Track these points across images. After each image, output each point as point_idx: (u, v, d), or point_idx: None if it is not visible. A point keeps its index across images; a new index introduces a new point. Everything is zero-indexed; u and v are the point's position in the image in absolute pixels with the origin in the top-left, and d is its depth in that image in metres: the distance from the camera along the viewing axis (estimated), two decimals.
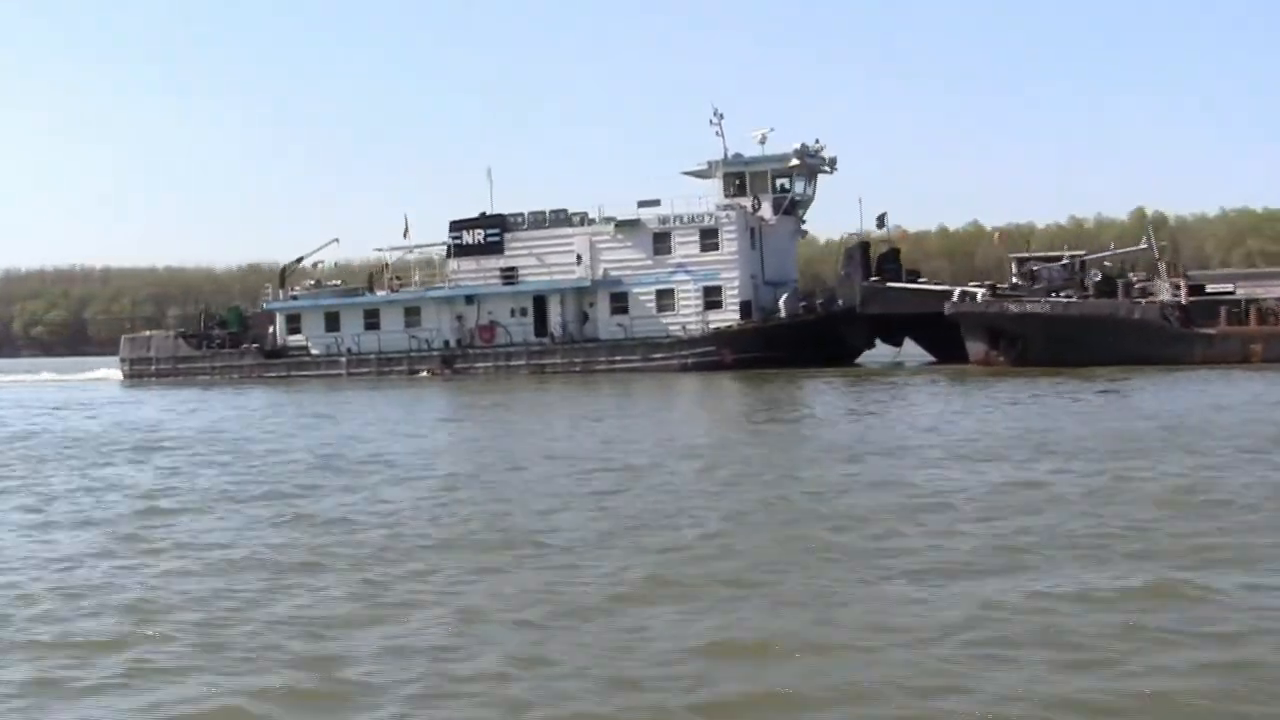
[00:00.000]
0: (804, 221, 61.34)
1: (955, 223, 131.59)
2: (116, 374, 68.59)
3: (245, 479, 19.95)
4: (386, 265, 69.59)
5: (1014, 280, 60.99)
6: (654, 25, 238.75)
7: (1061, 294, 47.35)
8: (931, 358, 60.00)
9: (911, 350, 60.07)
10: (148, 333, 71.82)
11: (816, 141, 59.54)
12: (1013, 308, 46.68)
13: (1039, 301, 46.51)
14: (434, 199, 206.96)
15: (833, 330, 55.79)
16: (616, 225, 59.09)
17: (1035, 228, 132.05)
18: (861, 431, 24.87)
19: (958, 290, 49.91)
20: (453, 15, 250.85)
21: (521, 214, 61.28)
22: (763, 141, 59.86)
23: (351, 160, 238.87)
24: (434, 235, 64.50)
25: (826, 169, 60.79)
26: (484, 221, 61.48)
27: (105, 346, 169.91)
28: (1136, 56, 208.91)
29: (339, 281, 67.30)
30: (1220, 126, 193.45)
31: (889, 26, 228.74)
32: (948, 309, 48.91)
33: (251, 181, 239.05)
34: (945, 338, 56.09)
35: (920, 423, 26.45)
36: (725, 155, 59.77)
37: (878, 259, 57.42)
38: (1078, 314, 45.52)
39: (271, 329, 65.64)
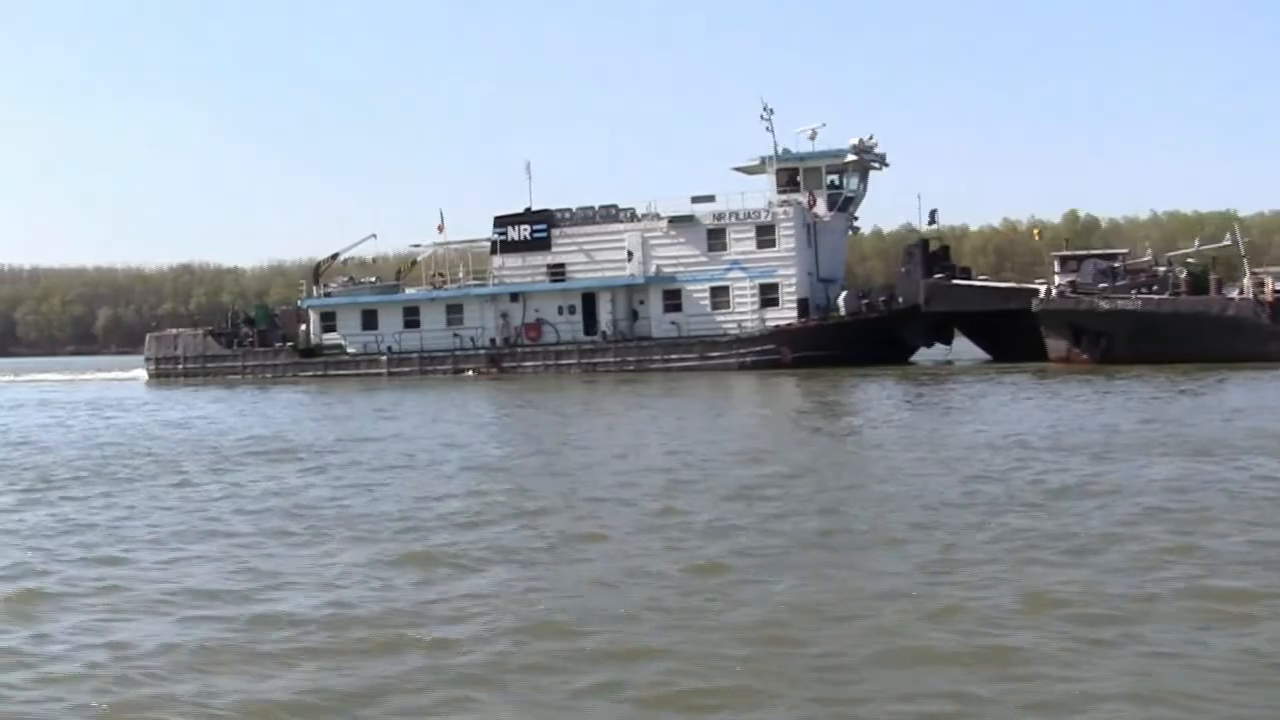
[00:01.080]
0: (856, 219, 60.48)
1: (888, 226, 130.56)
2: (140, 373, 66.69)
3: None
4: (414, 261, 68.13)
5: (1055, 278, 60.69)
6: (650, 23, 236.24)
7: (1144, 291, 46.68)
8: (987, 356, 59.45)
9: (960, 348, 59.42)
10: (174, 331, 69.62)
11: (870, 137, 58.69)
12: (1103, 304, 45.95)
13: (1129, 298, 45.81)
14: (413, 195, 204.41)
15: (892, 328, 54.99)
16: (670, 221, 57.93)
17: (969, 229, 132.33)
18: (1107, 435, 23.70)
19: (1044, 287, 49.02)
20: (449, 11, 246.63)
21: (569, 209, 59.94)
22: (813, 137, 59.03)
23: (329, 159, 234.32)
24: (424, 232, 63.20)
25: (877, 165, 59.96)
26: (530, 217, 60.07)
27: (34, 347, 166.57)
28: (1067, 59, 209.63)
29: (375, 278, 65.49)
30: (1152, 129, 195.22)
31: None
32: (1035, 305, 48.11)
33: (184, 181, 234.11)
34: (1005, 336, 55.61)
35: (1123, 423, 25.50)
36: (775, 150, 58.75)
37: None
38: (1170, 311, 44.88)
39: (303, 327, 63.93)
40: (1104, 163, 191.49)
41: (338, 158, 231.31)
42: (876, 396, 35.64)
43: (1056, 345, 47.47)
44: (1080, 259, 63.61)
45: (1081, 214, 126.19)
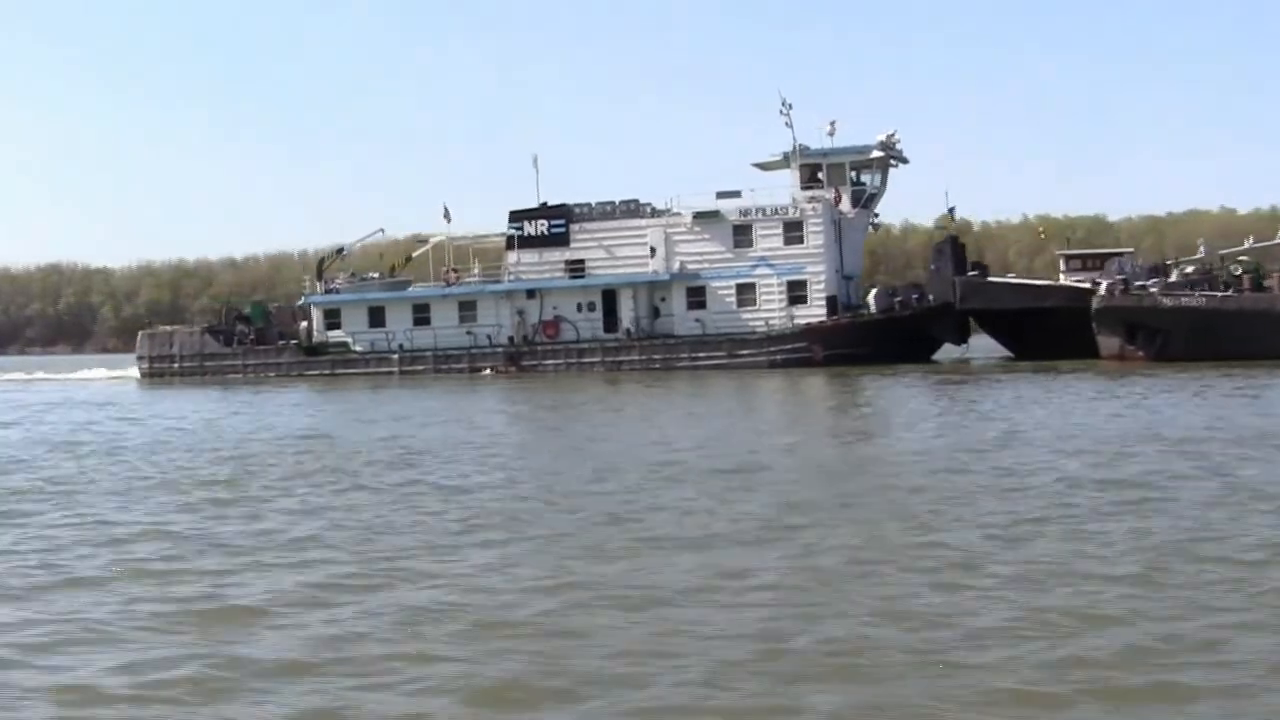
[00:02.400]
0: (876, 215, 59.78)
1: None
2: (101, 371, 64.20)
3: None
4: (409, 257, 66.17)
5: (1061, 275, 60.69)
6: (652, 20, 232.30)
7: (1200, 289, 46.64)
8: (1007, 354, 59.21)
9: (979, 346, 59.08)
10: (169, 328, 66.96)
11: (894, 133, 58.05)
12: (1166, 302, 45.67)
13: (1194, 296, 45.61)
14: (416, 191, 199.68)
15: (923, 326, 54.47)
16: (695, 216, 56.82)
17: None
18: None
19: (1105, 284, 48.64)
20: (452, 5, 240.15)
21: (588, 204, 58.59)
22: (831, 133, 58.28)
23: (331, 157, 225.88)
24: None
25: (894, 162, 59.32)
26: (547, 212, 58.54)
27: None
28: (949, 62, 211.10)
29: (376, 274, 63.37)
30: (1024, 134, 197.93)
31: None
32: (1097, 302, 47.66)
33: (181, 178, 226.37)
34: (1028, 333, 55.43)
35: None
36: (795, 145, 57.93)
37: None
38: (1235, 308, 44.74)
39: (303, 324, 61.88)
40: (978, 166, 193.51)
41: (342, 155, 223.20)
42: (1008, 398, 34.72)
43: (1109, 342, 47.14)
44: (1089, 257, 63.96)
45: (956, 217, 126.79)
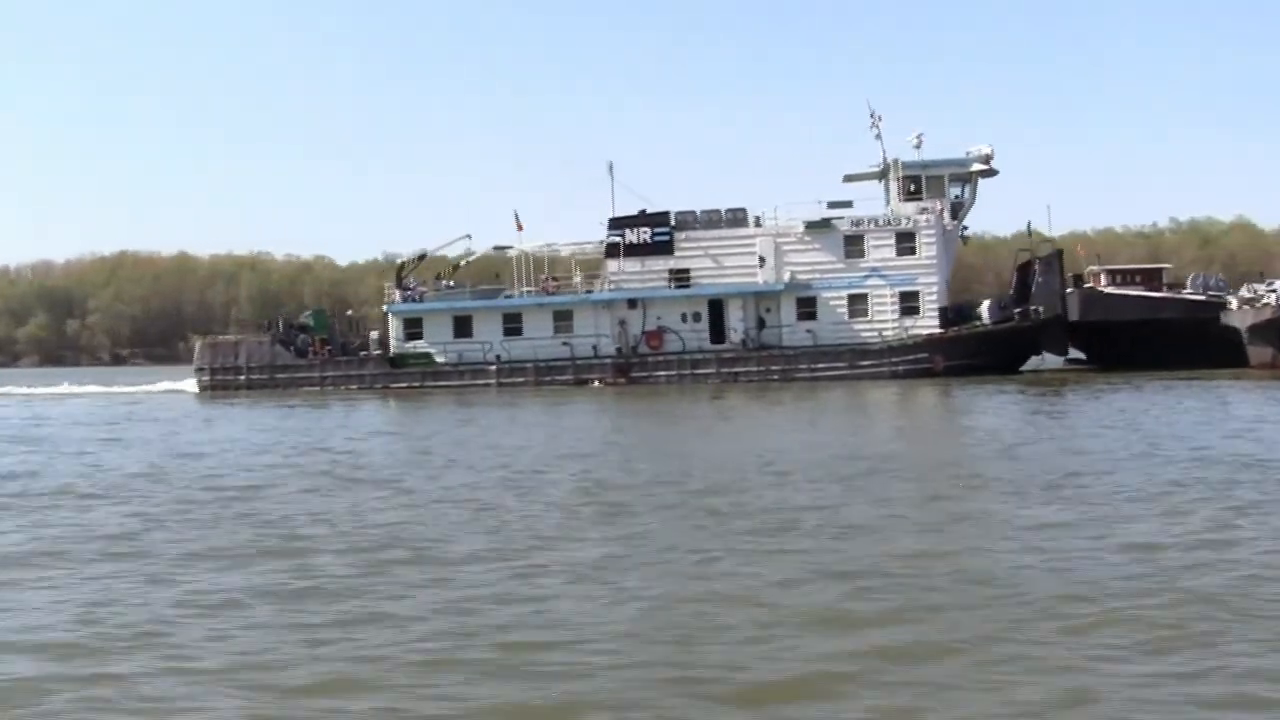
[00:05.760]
0: (966, 228, 60.44)
1: None
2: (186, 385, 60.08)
3: None
4: (457, 265, 63.92)
5: (1105, 289, 62.66)
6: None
7: None
8: (1091, 365, 60.68)
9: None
10: (234, 337, 62.73)
11: (990, 148, 58.77)
12: None
13: None
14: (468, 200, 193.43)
15: (1035, 337, 55.45)
16: (806, 226, 56.51)
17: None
18: None
19: (1266, 295, 50.30)
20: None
21: (693, 212, 57.65)
22: (918, 145, 58.70)
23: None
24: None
25: (983, 174, 60.12)
26: (650, 220, 57.31)
27: None
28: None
29: (447, 281, 60.79)
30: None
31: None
32: (1258, 315, 49.11)
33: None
34: (1109, 345, 57.02)
35: None
36: (888, 159, 58.30)
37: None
38: None
39: (374, 334, 59.32)
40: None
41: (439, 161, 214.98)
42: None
43: (1261, 352, 48.85)
44: (1133, 273, 66.11)
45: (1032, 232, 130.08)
